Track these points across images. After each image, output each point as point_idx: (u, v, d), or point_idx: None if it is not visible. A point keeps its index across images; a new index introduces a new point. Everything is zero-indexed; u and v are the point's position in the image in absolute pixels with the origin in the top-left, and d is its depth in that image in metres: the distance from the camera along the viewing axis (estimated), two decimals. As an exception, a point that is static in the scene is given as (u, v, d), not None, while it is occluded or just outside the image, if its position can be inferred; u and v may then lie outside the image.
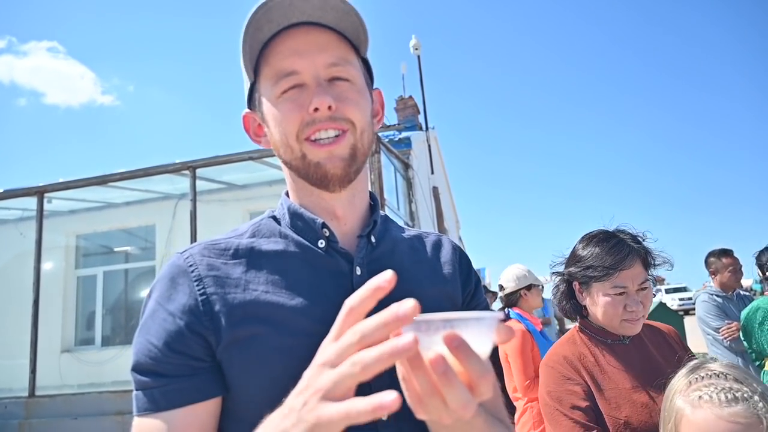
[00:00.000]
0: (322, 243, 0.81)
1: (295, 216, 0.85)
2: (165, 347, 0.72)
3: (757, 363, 3.34)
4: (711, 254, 3.97)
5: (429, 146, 9.52)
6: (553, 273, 1.68)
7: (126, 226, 9.44)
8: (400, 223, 1.25)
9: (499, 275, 3.52)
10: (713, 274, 3.97)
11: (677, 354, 1.51)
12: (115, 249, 10.05)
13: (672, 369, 1.23)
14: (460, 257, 0.96)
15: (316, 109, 0.76)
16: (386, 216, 0.94)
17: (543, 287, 3.42)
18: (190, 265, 0.77)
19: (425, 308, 0.82)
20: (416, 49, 10.18)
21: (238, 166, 7.12)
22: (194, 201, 6.60)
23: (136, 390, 0.73)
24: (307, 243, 0.82)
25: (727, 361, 1.12)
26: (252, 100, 0.87)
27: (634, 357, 1.49)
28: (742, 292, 4.04)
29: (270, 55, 0.79)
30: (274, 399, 0.68)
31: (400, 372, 0.51)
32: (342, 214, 0.85)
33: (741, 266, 3.96)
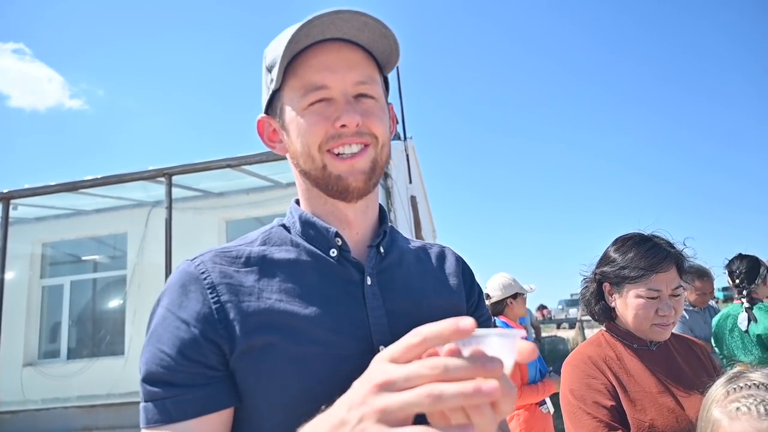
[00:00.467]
0: (334, 252, 0.82)
1: (307, 224, 0.85)
2: (179, 355, 0.70)
3: (727, 368, 3.44)
4: (689, 269, 3.95)
5: (407, 156, 9.57)
6: (585, 278, 1.66)
7: (96, 234, 9.17)
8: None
9: (483, 284, 3.54)
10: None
11: (705, 367, 1.50)
12: (84, 258, 9.74)
13: (700, 379, 1.21)
14: (463, 268, 0.98)
15: (343, 126, 0.77)
16: (392, 227, 0.95)
17: (527, 296, 3.45)
18: (202, 272, 0.76)
19: (432, 320, 0.82)
20: (395, 59, 10.23)
21: (215, 174, 7.03)
22: (170, 209, 6.48)
23: (145, 401, 0.71)
24: (318, 252, 0.82)
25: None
26: (271, 107, 0.87)
27: (661, 363, 1.47)
28: (711, 303, 4.09)
29: (300, 67, 0.80)
30: (288, 407, 0.70)
31: None
32: (355, 222, 0.86)
33: (712, 290, 3.93)
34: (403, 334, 0.55)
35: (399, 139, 10.27)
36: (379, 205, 0.93)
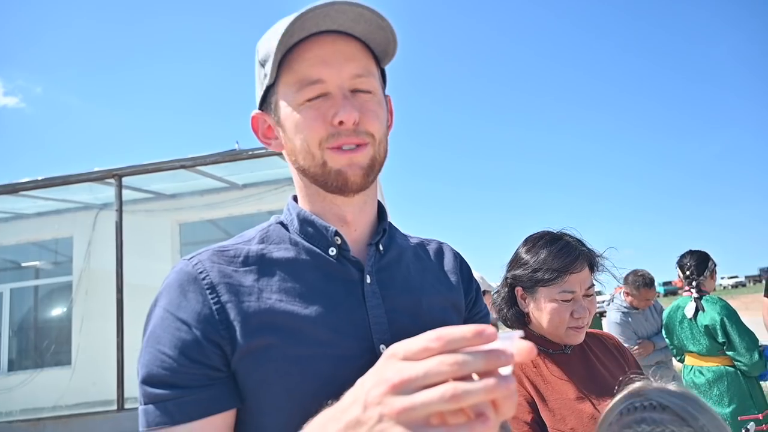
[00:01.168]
0: (333, 251, 0.81)
1: (305, 222, 0.83)
2: (181, 357, 0.69)
3: (678, 358, 3.64)
4: (635, 277, 3.94)
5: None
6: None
7: (38, 239, 8.73)
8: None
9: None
10: (627, 294, 3.99)
11: (620, 364, 1.47)
12: (24, 264, 9.26)
13: (616, 379, 1.15)
14: (461, 264, 0.98)
15: (341, 123, 0.75)
16: (390, 223, 0.93)
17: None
18: (201, 272, 0.74)
19: (432, 317, 0.84)
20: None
21: (168, 175, 6.82)
22: (120, 211, 6.25)
23: (146, 404, 0.69)
24: (318, 250, 0.81)
25: (675, 385, 0.94)
26: (266, 103, 0.85)
27: (577, 367, 1.42)
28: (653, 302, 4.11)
29: (295, 61, 0.78)
30: (291, 408, 0.70)
31: None
32: (352, 219, 0.84)
33: (655, 294, 4.00)
34: (403, 333, 0.54)
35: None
36: (378, 202, 0.92)
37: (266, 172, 7.43)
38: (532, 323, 1.48)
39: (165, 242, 8.06)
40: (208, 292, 0.73)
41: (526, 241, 1.51)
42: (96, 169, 6.60)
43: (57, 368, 8.03)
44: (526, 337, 1.37)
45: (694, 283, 3.35)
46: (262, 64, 0.81)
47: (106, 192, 7.26)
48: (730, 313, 3.17)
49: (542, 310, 1.41)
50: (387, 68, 0.88)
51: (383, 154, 0.83)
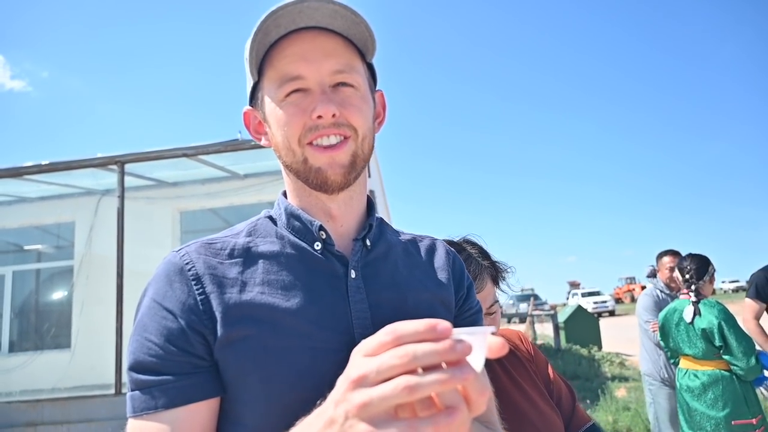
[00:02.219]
0: (318, 245, 0.82)
1: (292, 217, 0.84)
2: (167, 345, 0.71)
3: (673, 361, 3.64)
4: (658, 255, 4.34)
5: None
6: None
7: (40, 223, 8.77)
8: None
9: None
10: (659, 271, 4.31)
11: (530, 375, 1.35)
12: (26, 247, 9.30)
13: (527, 398, 1.12)
14: (454, 261, 0.97)
15: (319, 117, 0.76)
16: (381, 219, 0.94)
17: None
18: (187, 263, 0.76)
19: (418, 313, 0.84)
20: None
21: (170, 163, 6.85)
22: (122, 198, 6.28)
23: (133, 390, 0.71)
24: (303, 244, 0.82)
25: None
26: (254, 98, 0.87)
27: None
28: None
29: (275, 58, 0.79)
30: (269, 399, 0.71)
31: None
32: (338, 215, 0.85)
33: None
34: None
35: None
36: (368, 197, 0.92)
37: (267, 162, 7.43)
38: None
39: (166, 230, 8.09)
40: (193, 283, 0.74)
41: None
42: (99, 155, 6.62)
43: (56, 351, 8.10)
44: None
45: (693, 287, 3.35)
46: (248, 62, 0.83)
47: (108, 178, 7.28)
48: (728, 317, 3.17)
49: None
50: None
51: (367, 150, 0.83)
